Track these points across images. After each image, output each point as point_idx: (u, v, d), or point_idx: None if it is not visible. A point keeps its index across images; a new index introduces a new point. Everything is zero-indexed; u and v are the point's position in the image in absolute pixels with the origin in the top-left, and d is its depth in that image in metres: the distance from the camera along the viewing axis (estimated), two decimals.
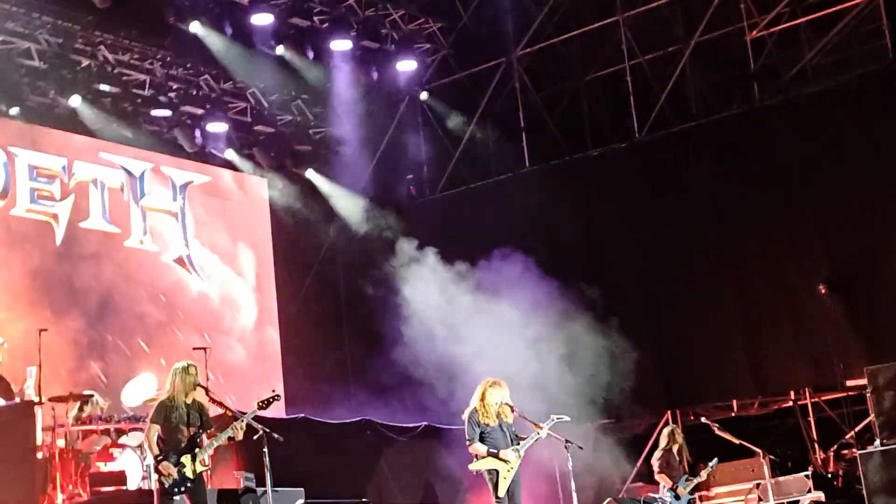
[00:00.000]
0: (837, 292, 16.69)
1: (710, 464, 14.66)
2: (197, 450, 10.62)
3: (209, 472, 13.96)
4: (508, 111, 20.35)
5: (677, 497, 14.38)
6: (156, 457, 10.58)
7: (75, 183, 18.04)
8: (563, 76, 20.18)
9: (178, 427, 10.60)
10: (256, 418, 12.47)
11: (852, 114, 17.08)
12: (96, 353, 17.58)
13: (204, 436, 10.76)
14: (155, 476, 10.74)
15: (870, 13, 17.30)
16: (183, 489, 10.57)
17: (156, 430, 10.61)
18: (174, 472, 10.47)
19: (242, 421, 10.85)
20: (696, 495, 15.16)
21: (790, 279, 17.32)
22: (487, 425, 12.39)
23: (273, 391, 11.38)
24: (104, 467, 13.51)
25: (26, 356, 15.57)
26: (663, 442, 14.90)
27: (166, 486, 10.53)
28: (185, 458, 10.56)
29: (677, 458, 14.70)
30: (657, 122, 18.78)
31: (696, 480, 14.57)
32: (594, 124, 19.77)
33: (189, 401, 10.72)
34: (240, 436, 10.87)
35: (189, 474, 10.57)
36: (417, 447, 17.22)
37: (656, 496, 14.41)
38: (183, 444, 10.58)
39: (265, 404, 11.09)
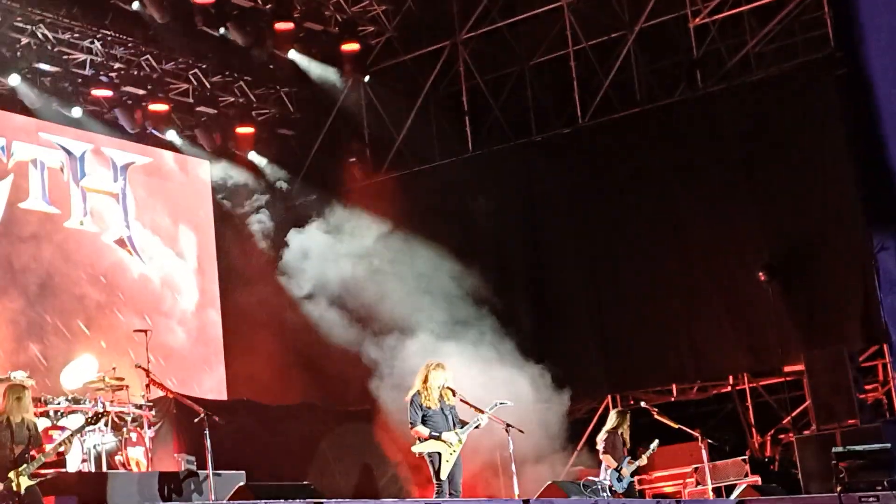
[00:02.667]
0: (776, 279, 16.87)
1: (651, 446, 14.72)
2: (24, 465, 10.84)
3: (149, 455, 13.97)
4: (452, 95, 20.35)
5: (620, 478, 14.44)
6: None
7: (14, 163, 17.82)
8: (508, 61, 20.17)
9: (6, 445, 10.87)
10: (196, 400, 12.46)
11: (794, 101, 17.24)
12: (35, 335, 17.40)
13: (33, 451, 10.99)
14: None
15: (812, 2, 17.46)
16: (12, 502, 10.79)
17: None
18: (10, 484, 10.73)
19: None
20: (636, 478, 15.24)
21: (730, 265, 17.48)
22: (429, 408, 12.41)
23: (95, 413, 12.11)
24: None
25: None
26: (610, 422, 14.84)
27: None
28: (12, 474, 10.78)
29: (622, 441, 14.72)
30: (601, 107, 18.85)
31: (637, 463, 14.63)
32: (538, 109, 19.80)
33: (18, 419, 11.03)
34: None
35: (21, 486, 10.79)
36: (359, 429, 17.25)
37: (596, 479, 14.44)
38: (9, 461, 10.81)
39: (93, 420, 11.86)
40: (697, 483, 16.49)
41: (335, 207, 19.75)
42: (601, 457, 14.62)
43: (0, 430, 10.95)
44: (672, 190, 18.04)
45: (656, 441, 14.82)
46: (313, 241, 19.09)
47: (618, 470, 14.37)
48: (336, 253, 18.90)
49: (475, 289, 18.24)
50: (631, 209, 18.31)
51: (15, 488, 10.78)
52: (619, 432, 14.65)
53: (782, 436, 17.50)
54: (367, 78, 20.83)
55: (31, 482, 10.91)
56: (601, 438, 14.70)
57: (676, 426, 15.02)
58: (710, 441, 15.37)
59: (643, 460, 14.72)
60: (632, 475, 14.62)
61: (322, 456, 16.56)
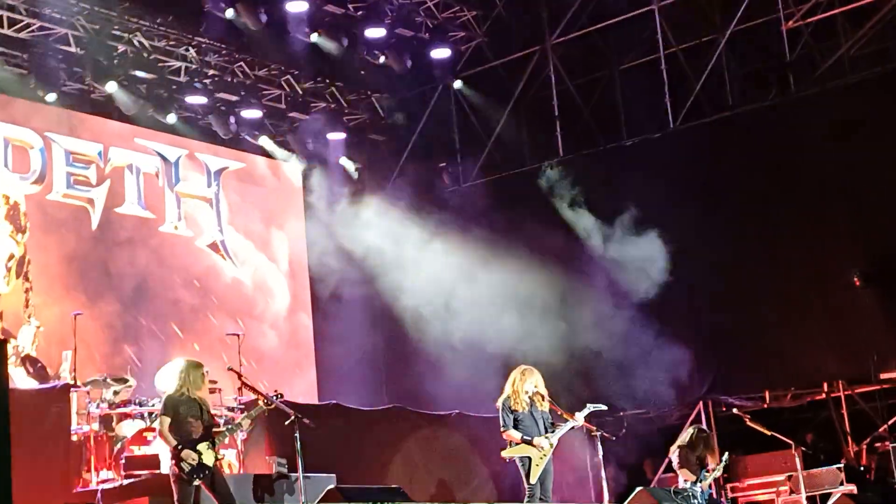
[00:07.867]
0: (872, 284, 16.60)
1: (723, 459, 14.06)
2: (215, 439, 11.04)
3: (241, 457, 14.13)
4: (542, 100, 20.32)
5: (699, 493, 14.07)
6: (175, 445, 10.91)
7: (111, 168, 18.16)
8: (598, 65, 20.10)
9: (188, 419, 10.97)
10: (288, 404, 12.59)
11: (889, 105, 16.97)
12: (130, 338, 17.69)
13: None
14: (171, 463, 11.07)
15: None
16: (202, 475, 10.91)
17: (167, 421, 10.99)
18: (195, 458, 10.81)
19: (246, 417, 11.72)
20: (728, 486, 15.03)
21: (824, 270, 17.22)
22: (520, 412, 12.43)
23: (276, 391, 12.05)
24: (138, 451, 13.58)
25: (62, 340, 15.77)
26: (685, 439, 14.32)
27: (185, 472, 10.85)
28: (202, 447, 10.92)
29: (696, 456, 14.16)
30: (692, 111, 18.70)
31: (712, 476, 14.06)
32: (629, 113, 19.70)
33: (194, 396, 11.13)
34: (246, 426, 12.23)
35: (207, 462, 10.92)
36: (448, 434, 17.25)
37: (687, 486, 14.22)
38: (196, 436, 10.94)
39: (269, 403, 11.66)
40: (791, 491, 16.29)
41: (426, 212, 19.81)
42: (678, 471, 14.08)
43: (179, 405, 11.01)
44: (764, 194, 17.83)
45: (727, 454, 14.29)
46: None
47: (697, 483, 13.88)
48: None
49: (558, 297, 18.19)
50: (722, 213, 18.11)
51: (208, 461, 10.88)
52: (697, 454, 14.08)
53: (878, 444, 17.19)
54: (457, 83, 20.88)
55: (217, 457, 11.06)
56: (675, 453, 14.18)
57: (769, 433, 14.81)
58: (804, 449, 15.15)
59: (717, 472, 14.16)
60: (709, 486, 14.23)
61: (411, 460, 16.59)
